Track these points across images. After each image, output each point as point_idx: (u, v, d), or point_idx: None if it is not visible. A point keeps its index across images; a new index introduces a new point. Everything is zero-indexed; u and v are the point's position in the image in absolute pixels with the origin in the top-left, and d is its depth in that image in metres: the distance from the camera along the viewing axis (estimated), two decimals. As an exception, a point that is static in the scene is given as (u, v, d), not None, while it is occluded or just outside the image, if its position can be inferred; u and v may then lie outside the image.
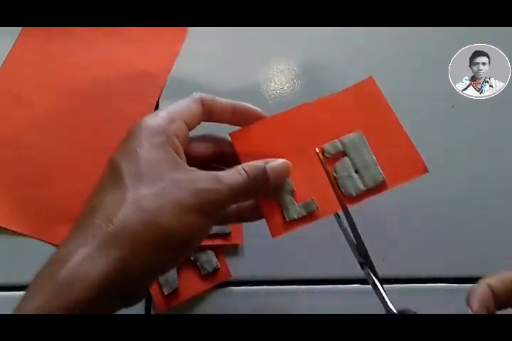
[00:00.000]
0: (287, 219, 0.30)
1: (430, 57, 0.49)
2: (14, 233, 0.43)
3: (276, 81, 0.49)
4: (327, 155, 0.33)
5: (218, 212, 0.27)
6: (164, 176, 0.25)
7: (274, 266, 0.43)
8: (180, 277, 0.41)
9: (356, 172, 0.34)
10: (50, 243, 0.42)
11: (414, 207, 0.45)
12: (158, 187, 0.25)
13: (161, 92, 0.47)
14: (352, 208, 0.31)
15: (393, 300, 0.29)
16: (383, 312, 0.28)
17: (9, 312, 0.23)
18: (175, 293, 0.41)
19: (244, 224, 0.42)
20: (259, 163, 0.29)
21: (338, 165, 0.33)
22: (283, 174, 0.30)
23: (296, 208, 0.30)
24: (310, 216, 0.30)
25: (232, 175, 0.27)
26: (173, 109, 0.28)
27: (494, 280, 0.26)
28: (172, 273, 0.41)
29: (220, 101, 0.30)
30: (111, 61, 0.48)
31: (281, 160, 0.30)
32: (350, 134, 0.33)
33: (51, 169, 0.44)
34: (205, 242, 0.42)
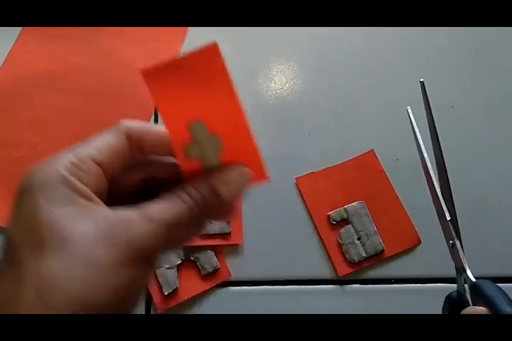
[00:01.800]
0: None
1: (430, 57, 0.49)
2: (14, 233, 0.43)
3: (276, 81, 0.49)
4: (333, 222, 0.35)
5: (153, 258, 0.21)
6: (71, 235, 0.19)
7: (274, 266, 0.43)
8: (180, 277, 0.41)
9: (359, 239, 0.37)
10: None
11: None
12: (67, 253, 0.19)
13: (161, 92, 0.47)
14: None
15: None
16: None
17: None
18: (175, 293, 0.41)
19: (244, 224, 0.42)
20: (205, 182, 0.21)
21: (343, 232, 0.36)
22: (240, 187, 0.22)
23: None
24: None
25: (168, 206, 0.21)
26: (82, 149, 0.23)
27: None
28: (172, 273, 0.41)
29: (155, 133, 0.23)
30: (111, 61, 0.48)
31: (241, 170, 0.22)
32: (354, 203, 0.34)
33: (51, 169, 0.44)
34: (205, 242, 0.42)
